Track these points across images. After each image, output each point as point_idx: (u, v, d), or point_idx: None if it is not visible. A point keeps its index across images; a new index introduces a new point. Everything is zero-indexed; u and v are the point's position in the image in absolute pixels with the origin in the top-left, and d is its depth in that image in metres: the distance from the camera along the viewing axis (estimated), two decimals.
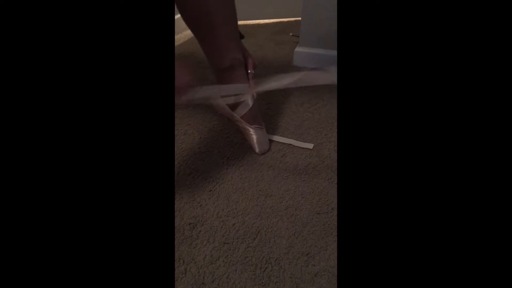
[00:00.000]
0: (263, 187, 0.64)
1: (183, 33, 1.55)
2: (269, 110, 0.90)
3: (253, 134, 0.72)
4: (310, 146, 0.75)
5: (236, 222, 0.56)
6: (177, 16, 1.54)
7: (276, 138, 0.77)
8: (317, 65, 1.18)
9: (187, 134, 0.80)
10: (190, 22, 0.64)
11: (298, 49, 1.19)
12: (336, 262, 0.49)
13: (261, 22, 1.72)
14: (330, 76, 0.55)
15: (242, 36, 0.73)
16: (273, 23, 1.70)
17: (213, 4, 0.59)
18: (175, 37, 1.49)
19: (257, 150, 0.72)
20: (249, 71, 0.70)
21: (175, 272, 0.49)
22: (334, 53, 1.15)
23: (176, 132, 0.81)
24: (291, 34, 1.47)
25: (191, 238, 0.54)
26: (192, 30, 0.65)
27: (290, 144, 0.76)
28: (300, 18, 1.18)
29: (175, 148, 0.75)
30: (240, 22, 0.70)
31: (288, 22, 1.71)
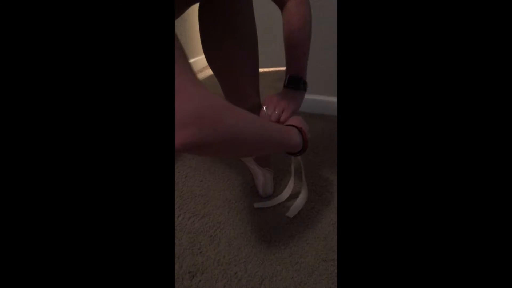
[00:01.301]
0: (266, 232, 0.62)
1: None
2: None
3: (262, 177, 0.71)
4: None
5: (238, 271, 0.53)
6: None
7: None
8: (316, 110, 1.21)
9: (188, 177, 0.79)
10: (213, 68, 0.68)
11: None
12: None
13: (261, 70, 1.81)
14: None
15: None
16: (273, 71, 1.78)
17: (237, 56, 0.63)
18: None
19: (261, 193, 0.71)
20: None
21: None
22: (327, 98, 1.19)
23: (177, 175, 0.80)
24: None
25: None
26: (219, 77, 0.69)
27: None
28: None
29: (176, 191, 0.74)
30: None
31: None
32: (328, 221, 0.65)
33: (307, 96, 1.22)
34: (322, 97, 1.21)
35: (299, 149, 0.53)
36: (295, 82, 0.64)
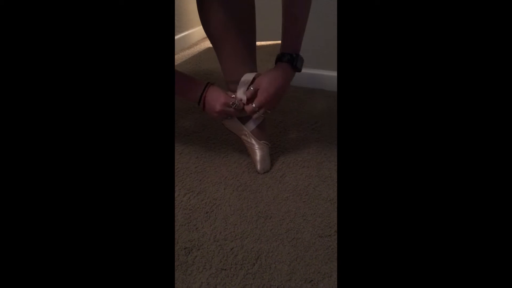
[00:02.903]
0: (262, 208, 0.61)
1: (180, 54, 1.56)
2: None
3: (259, 151, 0.70)
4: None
5: (235, 246, 0.53)
6: (176, 36, 1.55)
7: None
8: (311, 84, 1.19)
9: (183, 154, 0.77)
10: (213, 37, 0.66)
11: None
12: None
13: (257, 44, 1.74)
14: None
15: None
16: (268, 45, 1.72)
17: (236, 20, 0.62)
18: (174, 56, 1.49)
19: (259, 168, 0.70)
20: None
21: None
22: (327, 73, 1.16)
23: None
24: None
25: (186, 264, 0.50)
26: (215, 45, 0.67)
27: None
28: None
29: None
30: None
31: None
32: (325, 197, 0.64)
33: (306, 70, 1.18)
34: (321, 71, 1.17)
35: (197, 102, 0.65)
36: (291, 60, 0.63)
